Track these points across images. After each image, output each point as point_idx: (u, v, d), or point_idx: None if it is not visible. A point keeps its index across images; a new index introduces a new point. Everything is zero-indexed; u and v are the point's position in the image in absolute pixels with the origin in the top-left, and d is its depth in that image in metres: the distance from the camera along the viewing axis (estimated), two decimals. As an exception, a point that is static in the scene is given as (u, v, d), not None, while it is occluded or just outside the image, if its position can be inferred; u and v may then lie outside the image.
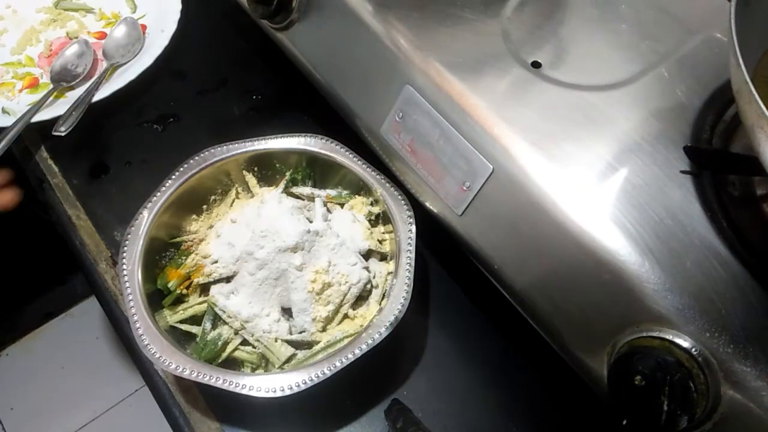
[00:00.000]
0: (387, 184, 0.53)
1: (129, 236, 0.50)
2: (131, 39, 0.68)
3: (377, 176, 0.54)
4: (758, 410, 0.34)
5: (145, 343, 0.45)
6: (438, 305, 0.55)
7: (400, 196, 0.52)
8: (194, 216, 0.55)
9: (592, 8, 0.51)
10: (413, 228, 0.51)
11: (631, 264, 0.38)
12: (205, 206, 0.56)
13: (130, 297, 0.48)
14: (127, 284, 0.48)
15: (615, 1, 0.52)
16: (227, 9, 0.74)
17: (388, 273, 0.53)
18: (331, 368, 0.44)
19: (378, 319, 0.47)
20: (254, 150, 0.55)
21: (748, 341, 0.36)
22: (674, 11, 0.51)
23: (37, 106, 0.62)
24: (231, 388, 0.44)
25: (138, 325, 0.46)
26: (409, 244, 0.50)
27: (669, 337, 0.36)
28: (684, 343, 0.36)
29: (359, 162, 0.54)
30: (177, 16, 0.69)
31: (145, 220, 0.51)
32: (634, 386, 0.36)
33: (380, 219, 0.55)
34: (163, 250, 0.53)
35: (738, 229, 0.39)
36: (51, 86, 0.64)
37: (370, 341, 0.45)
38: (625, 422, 0.38)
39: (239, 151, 0.55)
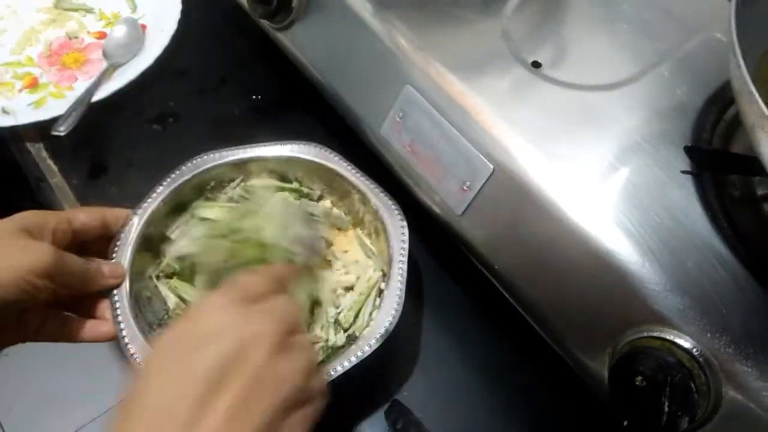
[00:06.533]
0: (381, 194, 0.52)
1: (118, 243, 0.49)
2: (131, 39, 0.68)
3: (370, 185, 0.52)
4: (759, 411, 0.34)
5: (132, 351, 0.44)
6: (438, 305, 0.55)
7: (393, 205, 0.51)
8: None
9: (593, 8, 0.51)
10: (406, 238, 0.49)
11: (631, 264, 0.38)
12: None
13: (118, 311, 0.46)
14: (117, 299, 0.46)
15: (615, 0, 0.52)
16: (227, 9, 0.73)
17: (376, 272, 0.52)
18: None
19: (368, 331, 0.46)
20: (248, 157, 0.54)
21: (749, 342, 0.35)
22: (675, 11, 0.51)
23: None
24: None
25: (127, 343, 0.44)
26: (401, 254, 0.48)
27: (670, 337, 0.36)
28: (685, 343, 0.36)
29: (352, 170, 0.53)
30: (177, 16, 0.69)
31: (135, 226, 0.49)
32: (635, 387, 0.36)
33: (369, 227, 0.54)
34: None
35: (738, 229, 0.39)
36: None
37: (359, 353, 0.44)
38: (625, 423, 0.38)
39: (232, 158, 0.54)
